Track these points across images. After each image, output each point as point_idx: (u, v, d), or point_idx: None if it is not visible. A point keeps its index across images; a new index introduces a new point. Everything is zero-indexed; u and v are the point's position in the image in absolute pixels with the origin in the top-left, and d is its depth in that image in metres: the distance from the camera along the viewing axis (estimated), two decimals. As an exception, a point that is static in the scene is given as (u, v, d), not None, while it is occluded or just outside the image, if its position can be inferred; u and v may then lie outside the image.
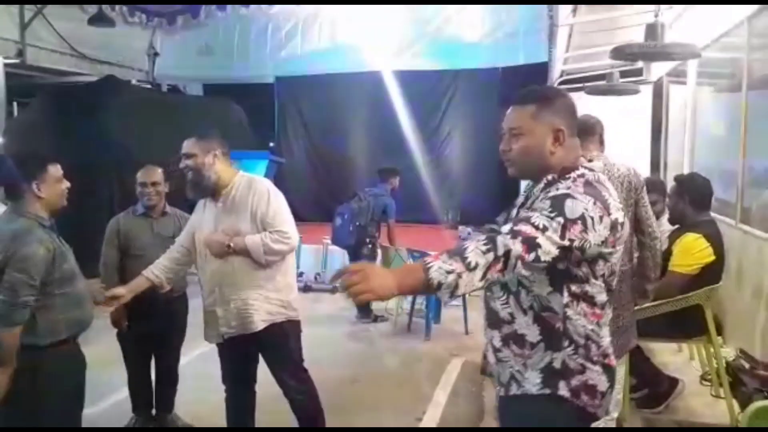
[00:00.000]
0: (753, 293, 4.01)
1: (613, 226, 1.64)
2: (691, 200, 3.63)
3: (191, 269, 3.30)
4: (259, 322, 2.93)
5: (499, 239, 1.56)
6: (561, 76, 8.79)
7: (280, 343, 3.01)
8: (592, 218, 1.59)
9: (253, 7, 10.50)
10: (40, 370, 2.56)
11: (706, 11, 5.24)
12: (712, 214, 3.81)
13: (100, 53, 9.94)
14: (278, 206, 2.94)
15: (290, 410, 3.12)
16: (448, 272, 1.51)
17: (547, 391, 1.71)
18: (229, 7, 10.39)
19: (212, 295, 2.98)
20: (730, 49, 5.02)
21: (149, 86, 11.34)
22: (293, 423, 3.16)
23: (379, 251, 6.49)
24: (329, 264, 7.65)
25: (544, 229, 1.56)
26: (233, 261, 2.89)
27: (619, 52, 3.84)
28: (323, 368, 3.39)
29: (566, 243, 1.57)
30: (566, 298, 1.68)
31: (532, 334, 1.72)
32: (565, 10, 7.02)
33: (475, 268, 1.52)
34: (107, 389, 4.02)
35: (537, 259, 1.55)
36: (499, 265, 1.54)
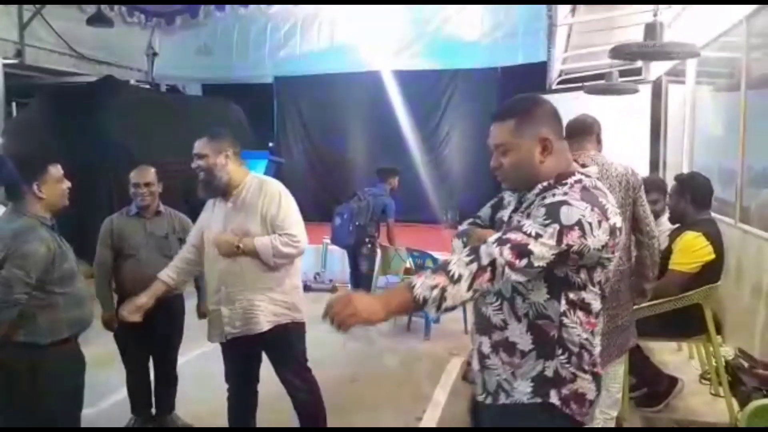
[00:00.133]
0: (752, 292, 4.02)
1: (612, 231, 1.62)
2: (692, 199, 3.64)
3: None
4: (265, 323, 2.93)
5: (483, 249, 1.56)
6: (560, 75, 8.81)
7: (285, 344, 3.01)
8: (590, 224, 1.58)
9: (252, 6, 10.52)
10: (40, 369, 2.57)
11: (705, 11, 5.25)
12: (712, 214, 3.81)
13: (99, 53, 9.94)
14: (289, 209, 2.94)
15: (290, 409, 3.12)
16: (432, 287, 1.52)
17: (539, 399, 1.70)
18: (227, 6, 10.40)
19: (217, 294, 2.97)
20: (728, 49, 5.03)
21: (148, 86, 11.34)
22: (294, 422, 3.16)
23: (378, 251, 6.49)
24: (329, 264, 7.65)
25: (537, 236, 1.55)
26: (241, 261, 2.89)
27: (618, 52, 3.84)
28: (323, 367, 3.39)
29: (563, 248, 1.56)
30: (563, 306, 1.67)
31: (525, 342, 1.70)
32: (563, 9, 7.03)
33: (459, 279, 1.53)
34: (106, 389, 4.02)
35: (530, 264, 1.55)
36: (487, 275, 1.54)
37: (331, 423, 3.21)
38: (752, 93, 4.39)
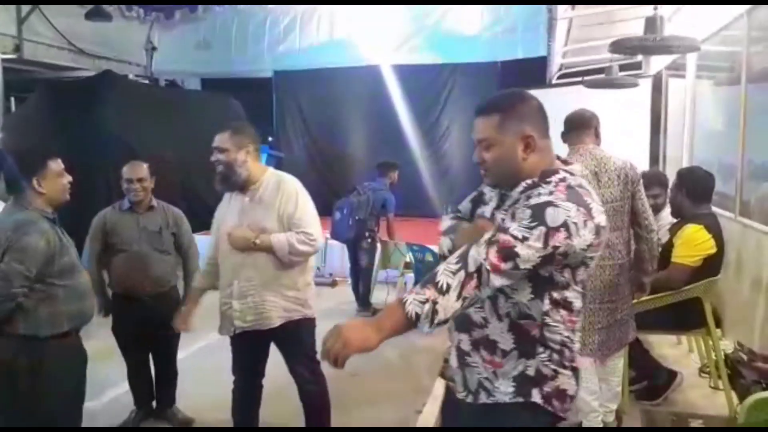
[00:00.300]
0: (752, 286, 4.02)
1: (597, 230, 1.60)
2: (687, 192, 3.64)
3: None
4: (276, 319, 2.95)
5: (471, 254, 1.54)
6: (560, 69, 8.80)
7: (295, 338, 3.03)
8: (576, 224, 1.56)
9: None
10: (41, 362, 2.57)
11: (705, 4, 5.23)
12: (713, 208, 3.81)
13: (98, 48, 9.92)
14: (306, 207, 2.96)
15: (290, 407, 3.13)
16: (423, 302, 1.51)
17: (521, 399, 1.69)
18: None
19: (229, 288, 2.98)
20: (729, 43, 5.02)
21: (147, 81, 11.31)
22: (293, 419, 3.17)
23: (378, 245, 6.49)
24: (328, 258, 7.65)
25: (524, 239, 1.54)
26: (255, 256, 2.90)
27: (618, 46, 3.83)
28: (323, 362, 3.40)
29: (549, 250, 1.55)
30: (547, 306, 1.65)
31: (506, 341, 1.69)
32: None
33: (447, 290, 1.51)
34: (108, 382, 4.03)
35: (515, 267, 1.54)
36: (474, 282, 1.53)
37: (331, 416, 3.22)
38: (753, 87, 4.38)
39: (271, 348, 3.13)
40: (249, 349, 3.08)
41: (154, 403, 3.85)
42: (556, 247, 1.55)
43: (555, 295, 1.65)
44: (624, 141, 5.93)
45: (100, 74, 9.07)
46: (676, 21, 5.87)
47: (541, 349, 1.68)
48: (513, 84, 8.89)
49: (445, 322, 1.56)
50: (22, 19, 8.54)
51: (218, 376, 3.23)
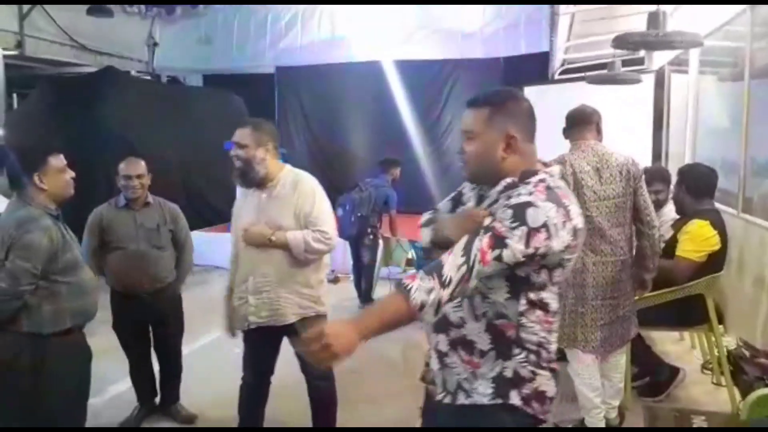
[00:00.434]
0: (754, 282, 4.02)
1: (575, 232, 1.61)
2: (688, 189, 3.64)
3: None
4: (291, 316, 2.96)
5: (474, 246, 1.54)
6: (562, 65, 8.77)
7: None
8: (555, 225, 1.56)
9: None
10: (43, 359, 2.57)
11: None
12: (716, 204, 3.80)
13: (99, 44, 9.90)
14: (322, 207, 2.99)
15: (292, 405, 3.13)
16: (429, 290, 1.50)
17: (499, 400, 1.68)
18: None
19: (245, 283, 2.99)
20: (732, 38, 5.00)
21: (149, 77, 11.31)
22: (298, 417, 3.17)
23: (380, 242, 6.49)
24: (331, 254, 7.62)
25: (511, 236, 1.54)
26: (271, 253, 2.91)
27: (620, 41, 3.82)
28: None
29: (531, 251, 1.55)
30: (523, 306, 1.65)
31: (483, 342, 1.68)
32: None
33: (449, 284, 1.51)
34: (111, 379, 4.04)
35: (499, 257, 1.54)
36: (466, 275, 1.53)
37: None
38: (756, 83, 4.37)
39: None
40: (262, 345, 3.09)
41: (157, 400, 3.86)
42: (537, 248, 1.55)
43: (531, 295, 1.65)
44: (626, 137, 5.92)
45: (101, 70, 9.07)
46: (679, 16, 5.84)
47: (517, 350, 1.67)
48: (515, 80, 8.87)
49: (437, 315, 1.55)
50: (24, 15, 8.53)
51: (221, 373, 3.24)
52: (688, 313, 3.54)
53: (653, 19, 3.71)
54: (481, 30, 9.86)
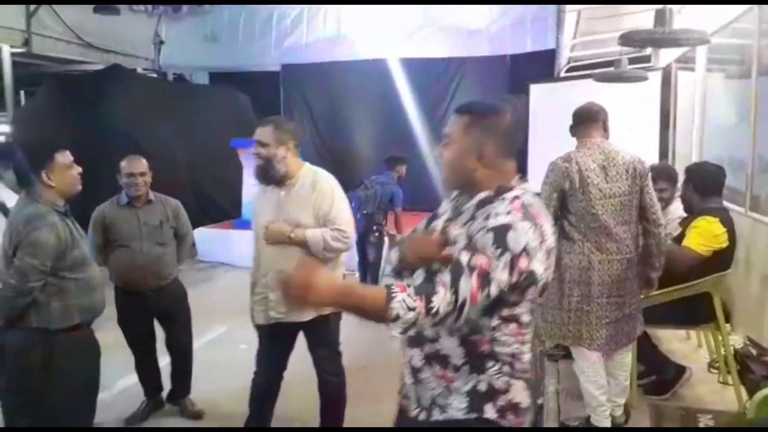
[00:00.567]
0: (762, 281, 3.99)
1: (549, 252, 1.61)
2: (695, 188, 3.63)
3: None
4: (308, 313, 2.97)
5: (462, 286, 1.50)
6: (568, 63, 8.74)
7: (323, 332, 3.08)
8: (534, 247, 1.56)
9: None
10: (51, 354, 2.59)
11: (716, -4, 5.18)
12: (723, 203, 3.78)
13: (106, 42, 9.94)
14: (341, 206, 3.02)
15: (296, 402, 3.14)
16: (410, 308, 1.48)
17: (474, 415, 1.67)
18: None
19: (265, 278, 3.03)
20: (740, 35, 4.97)
21: (155, 75, 11.34)
22: (304, 414, 3.18)
23: (386, 239, 6.50)
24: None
25: (495, 268, 1.53)
26: (289, 250, 2.93)
27: (627, 38, 3.80)
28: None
29: (515, 279, 1.55)
30: (496, 321, 1.64)
31: (457, 356, 1.67)
32: (572, -4, 6.97)
33: (435, 315, 1.49)
34: (118, 373, 4.06)
35: (488, 295, 1.53)
36: (455, 314, 1.51)
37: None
38: (763, 80, 4.34)
39: None
40: (278, 341, 3.12)
41: (164, 395, 3.88)
42: (520, 274, 1.55)
43: (505, 312, 1.64)
44: (632, 135, 5.90)
45: (108, 68, 9.12)
46: (686, 13, 5.81)
47: (491, 363, 1.66)
48: (521, 77, 8.85)
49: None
50: (31, 13, 8.57)
51: (227, 368, 3.25)
52: (695, 312, 3.53)
53: (660, 16, 3.69)
54: (487, 27, 9.83)
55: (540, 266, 1.58)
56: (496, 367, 1.67)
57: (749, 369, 3.57)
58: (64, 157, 2.67)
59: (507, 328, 1.65)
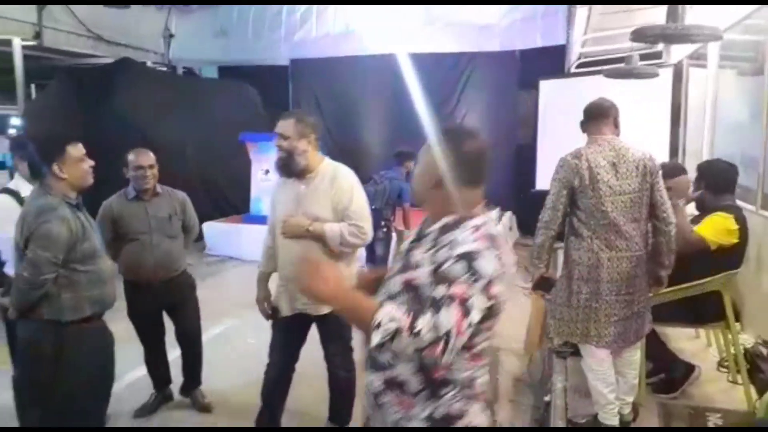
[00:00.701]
0: (772, 279, 3.97)
1: (507, 281, 1.61)
2: (707, 186, 3.61)
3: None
4: (324, 307, 2.95)
5: (441, 319, 1.48)
6: (579, 58, 8.69)
7: (337, 327, 3.09)
8: (498, 276, 1.57)
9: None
10: (62, 346, 2.61)
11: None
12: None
13: (116, 35, 9.98)
14: (360, 202, 3.04)
15: (301, 396, 3.15)
16: (392, 319, 1.48)
17: None
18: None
19: (286, 269, 3.07)
20: (752, 32, 4.93)
21: (165, 68, 11.37)
22: (313, 406, 3.18)
23: (394, 235, 6.49)
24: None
25: (473, 294, 1.53)
26: (306, 243, 2.96)
27: (639, 34, 3.77)
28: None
29: (489, 303, 1.55)
30: None
31: (414, 383, 1.66)
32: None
33: (417, 335, 1.46)
34: (128, 366, 4.06)
35: (470, 323, 1.52)
36: (440, 347, 1.48)
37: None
38: (776, 77, 4.31)
39: None
40: (293, 332, 3.15)
41: (173, 387, 3.90)
42: (491, 298, 1.55)
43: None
44: (643, 132, 5.85)
45: (118, 61, 9.14)
46: (698, 10, 5.76)
47: (447, 389, 1.66)
48: (532, 73, 8.81)
49: (391, 352, 1.56)
50: (42, 6, 8.60)
51: (236, 361, 3.26)
52: (705, 310, 3.51)
53: (672, 12, 3.66)
54: (497, 23, 9.79)
55: (499, 293, 1.58)
56: (452, 393, 1.66)
57: (759, 368, 3.55)
58: (76, 149, 2.68)
59: (463, 357, 1.64)
